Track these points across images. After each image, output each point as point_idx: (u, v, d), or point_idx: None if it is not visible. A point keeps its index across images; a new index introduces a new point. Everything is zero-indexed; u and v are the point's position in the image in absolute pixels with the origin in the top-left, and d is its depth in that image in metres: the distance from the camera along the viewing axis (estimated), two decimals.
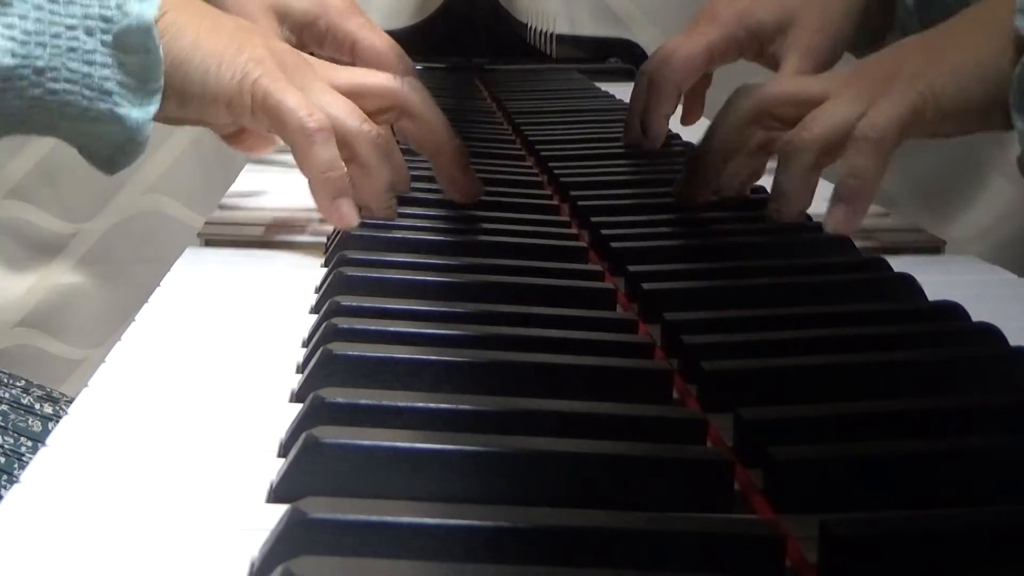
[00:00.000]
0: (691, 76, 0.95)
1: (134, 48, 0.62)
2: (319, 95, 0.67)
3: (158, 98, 0.64)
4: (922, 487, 0.39)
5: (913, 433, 0.43)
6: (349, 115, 0.67)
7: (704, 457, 0.41)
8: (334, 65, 0.74)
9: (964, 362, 0.49)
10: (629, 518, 0.36)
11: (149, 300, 0.59)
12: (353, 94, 0.69)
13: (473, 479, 0.39)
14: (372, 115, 0.69)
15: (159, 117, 0.65)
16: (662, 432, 0.43)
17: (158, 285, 0.61)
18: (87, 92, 0.62)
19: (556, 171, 0.86)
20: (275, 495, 0.39)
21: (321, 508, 0.35)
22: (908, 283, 0.60)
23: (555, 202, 0.79)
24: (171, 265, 0.65)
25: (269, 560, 0.34)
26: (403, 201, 0.74)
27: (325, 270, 0.63)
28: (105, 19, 0.61)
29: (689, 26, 0.96)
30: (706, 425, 0.44)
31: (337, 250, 0.64)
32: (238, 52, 0.66)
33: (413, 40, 1.52)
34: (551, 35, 1.50)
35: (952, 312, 0.55)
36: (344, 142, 0.66)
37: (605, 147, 0.98)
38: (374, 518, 0.35)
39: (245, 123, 0.68)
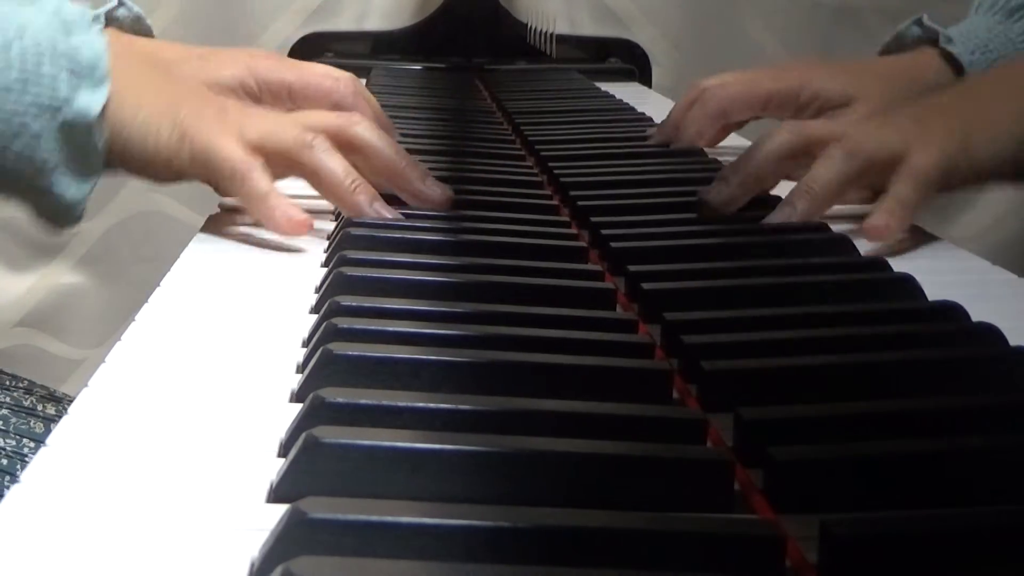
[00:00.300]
0: (744, 109, 0.99)
1: (77, 136, 0.68)
2: (257, 125, 0.72)
3: (96, 178, 0.70)
4: (922, 487, 0.39)
5: (913, 433, 0.43)
6: (285, 130, 0.72)
7: (704, 457, 0.41)
8: (277, 112, 0.80)
9: (964, 362, 0.49)
10: (629, 518, 0.36)
11: (149, 300, 0.59)
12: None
13: (473, 479, 0.39)
14: None
15: (111, 174, 0.71)
16: (662, 432, 0.43)
17: (158, 285, 0.61)
18: (29, 170, 0.68)
19: (556, 171, 0.86)
20: (275, 495, 0.39)
21: (321, 508, 0.35)
22: (908, 283, 0.60)
23: (555, 202, 0.79)
24: (171, 265, 0.65)
25: (269, 560, 0.34)
26: (403, 201, 0.74)
27: (325, 270, 0.63)
28: (54, 108, 0.68)
29: (755, 71, 1.00)
30: (706, 425, 0.44)
31: (337, 250, 0.64)
32: (176, 110, 0.71)
33: (413, 40, 1.53)
34: (551, 35, 1.50)
35: (952, 312, 0.55)
36: (289, 159, 0.72)
37: (605, 147, 0.98)
38: (374, 518, 0.35)
39: (187, 177, 0.72)
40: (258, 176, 0.70)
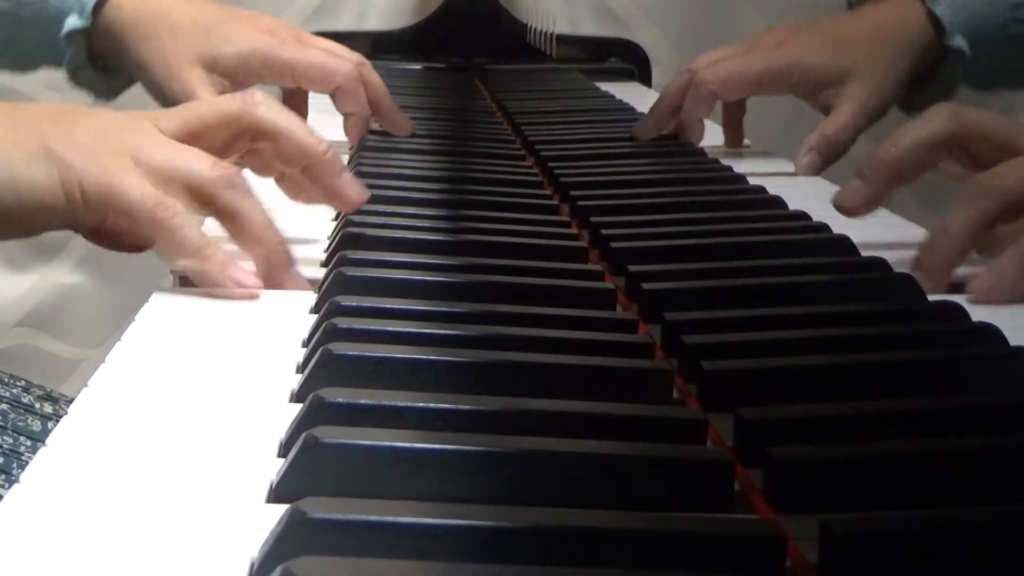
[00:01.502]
0: (736, 92, 0.98)
1: None
2: (155, 153, 0.59)
3: None
4: (922, 487, 0.39)
5: (913, 433, 0.43)
6: (197, 162, 0.60)
7: (704, 457, 0.41)
8: (162, 111, 0.66)
9: (964, 362, 0.49)
10: (629, 518, 0.36)
11: (149, 300, 0.59)
12: (192, 135, 0.62)
13: (473, 479, 0.39)
14: (223, 149, 0.63)
15: None
16: (662, 432, 0.43)
17: (158, 285, 0.61)
18: None
19: (556, 171, 0.86)
20: (275, 495, 0.39)
21: (321, 508, 0.35)
22: (908, 283, 0.60)
23: (555, 202, 0.79)
24: (171, 265, 0.65)
25: (269, 560, 0.34)
26: (403, 201, 0.74)
27: (325, 270, 0.63)
28: None
29: (746, 45, 0.99)
30: (706, 425, 0.44)
31: (337, 250, 0.64)
32: (42, 139, 0.58)
33: (413, 40, 1.53)
34: (551, 35, 1.50)
35: (952, 312, 0.55)
36: (203, 196, 0.60)
37: (605, 147, 0.98)
38: (374, 518, 0.35)
39: (86, 221, 0.61)
40: (184, 222, 0.59)
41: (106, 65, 0.93)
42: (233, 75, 0.92)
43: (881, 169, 0.66)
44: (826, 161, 0.94)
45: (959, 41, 0.92)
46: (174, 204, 0.58)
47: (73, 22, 0.87)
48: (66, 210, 0.58)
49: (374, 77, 0.97)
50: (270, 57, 0.92)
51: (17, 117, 0.60)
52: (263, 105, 0.63)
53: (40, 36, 0.88)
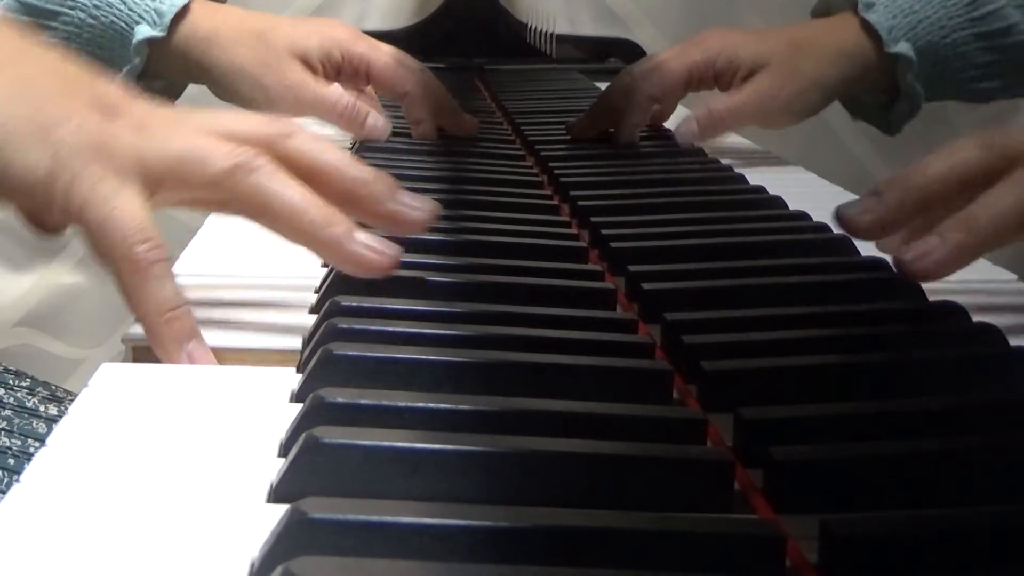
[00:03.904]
0: (669, 92, 1.00)
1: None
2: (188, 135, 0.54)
3: None
4: (922, 487, 0.39)
5: (913, 433, 0.43)
6: (221, 138, 0.53)
7: (704, 457, 0.41)
8: (169, 113, 0.56)
9: (964, 362, 0.49)
10: (629, 518, 0.36)
11: None
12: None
13: (473, 479, 0.39)
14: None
15: None
16: (662, 432, 0.43)
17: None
18: None
19: (556, 171, 0.86)
20: (275, 495, 0.39)
21: (321, 508, 0.35)
22: (908, 283, 0.60)
23: (555, 202, 0.79)
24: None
25: (269, 560, 0.34)
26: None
27: (325, 270, 0.63)
28: None
29: (679, 48, 1.00)
30: (706, 425, 0.44)
31: None
32: (52, 127, 0.52)
33: (413, 40, 1.53)
34: (551, 35, 1.50)
35: (952, 312, 0.55)
36: (237, 188, 0.53)
37: (605, 147, 0.98)
38: (374, 518, 0.35)
39: (51, 222, 0.54)
40: (164, 272, 0.52)
41: (151, 83, 0.93)
42: (322, 67, 0.94)
43: (902, 186, 0.56)
44: (703, 135, 0.96)
45: (903, 47, 0.93)
46: (164, 248, 0.51)
47: (146, 31, 0.87)
48: (38, 205, 0.53)
49: (435, 83, 0.99)
50: (349, 50, 0.94)
51: (36, 87, 0.53)
52: (299, 136, 0.55)
53: (121, 43, 0.88)
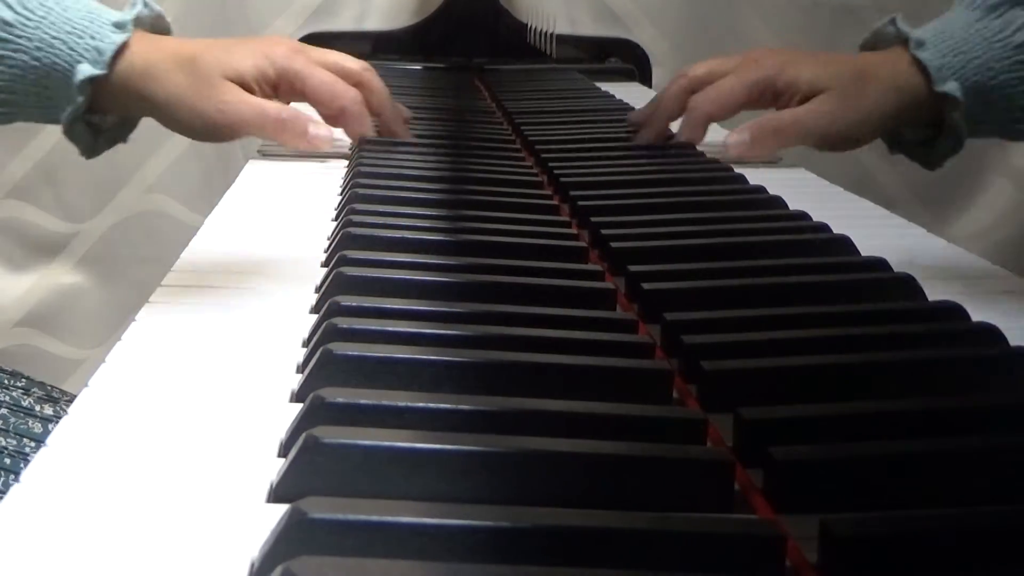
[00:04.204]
0: (728, 112, 1.00)
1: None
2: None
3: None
4: (922, 487, 0.39)
5: (913, 433, 0.43)
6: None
7: (704, 457, 0.41)
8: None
9: (964, 362, 0.49)
10: (629, 518, 0.36)
11: (149, 299, 0.59)
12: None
13: (473, 479, 0.39)
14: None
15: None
16: (662, 432, 0.43)
17: (158, 285, 0.61)
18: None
19: (556, 171, 0.86)
20: (275, 495, 0.39)
21: (321, 508, 0.35)
22: (908, 283, 0.60)
23: (555, 202, 0.79)
24: (171, 265, 0.66)
25: (269, 560, 0.34)
26: (403, 201, 0.74)
27: (325, 270, 0.63)
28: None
29: (736, 60, 1.00)
30: (706, 425, 0.44)
31: (337, 250, 0.64)
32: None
33: (413, 40, 1.53)
34: (551, 35, 1.50)
35: (952, 312, 0.55)
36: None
37: (605, 147, 0.98)
38: (374, 518, 0.35)
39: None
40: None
41: (93, 120, 0.93)
42: (256, 88, 0.94)
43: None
44: (754, 146, 0.96)
45: (951, 86, 0.92)
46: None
47: (88, 69, 0.87)
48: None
49: (377, 83, 0.99)
50: (284, 67, 0.94)
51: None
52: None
53: (65, 83, 0.88)
